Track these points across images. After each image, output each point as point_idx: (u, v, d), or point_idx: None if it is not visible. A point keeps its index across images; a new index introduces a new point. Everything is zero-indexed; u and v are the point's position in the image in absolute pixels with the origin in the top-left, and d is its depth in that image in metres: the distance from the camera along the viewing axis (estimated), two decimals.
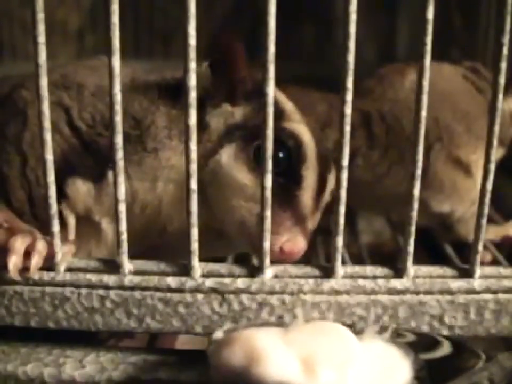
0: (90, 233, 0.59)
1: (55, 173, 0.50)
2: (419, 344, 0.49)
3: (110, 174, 0.56)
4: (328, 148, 0.62)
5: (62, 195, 0.55)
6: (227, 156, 0.56)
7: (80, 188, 0.57)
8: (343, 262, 0.56)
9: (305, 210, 0.56)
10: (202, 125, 0.56)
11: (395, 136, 0.75)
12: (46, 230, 0.52)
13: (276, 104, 0.57)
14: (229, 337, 0.48)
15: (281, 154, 0.55)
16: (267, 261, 0.53)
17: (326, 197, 0.59)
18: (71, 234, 0.57)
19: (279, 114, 0.56)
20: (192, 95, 0.48)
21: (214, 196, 0.56)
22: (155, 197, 0.57)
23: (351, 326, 0.50)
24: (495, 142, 0.52)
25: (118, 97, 0.49)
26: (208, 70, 0.56)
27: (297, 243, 0.55)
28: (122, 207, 0.51)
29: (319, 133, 0.70)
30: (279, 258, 0.55)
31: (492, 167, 0.52)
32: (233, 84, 0.57)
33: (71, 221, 0.57)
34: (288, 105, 0.60)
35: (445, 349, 0.50)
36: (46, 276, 0.53)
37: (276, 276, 0.53)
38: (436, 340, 0.51)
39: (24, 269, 0.51)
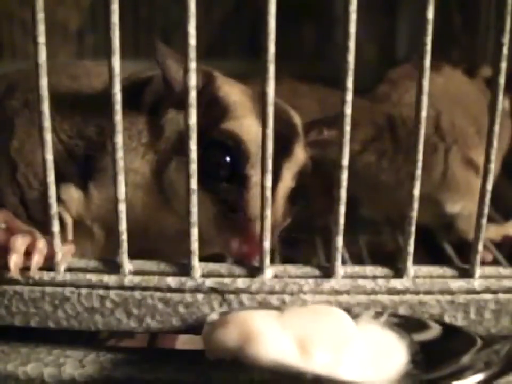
0: (84, 235, 0.59)
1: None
2: (405, 326, 0.49)
3: (91, 185, 0.57)
4: (294, 128, 0.60)
5: (56, 199, 0.55)
6: (173, 171, 0.56)
7: (73, 194, 0.57)
8: (343, 262, 0.56)
9: (254, 210, 0.54)
10: (157, 132, 0.57)
11: None
12: (43, 231, 0.53)
13: (219, 101, 0.56)
14: (224, 319, 0.48)
15: (228, 158, 0.55)
16: (267, 261, 0.53)
17: (286, 184, 0.57)
18: (69, 235, 0.57)
19: (222, 113, 0.56)
20: (192, 95, 0.48)
21: (174, 207, 0.57)
22: (127, 203, 0.57)
23: (348, 311, 0.50)
24: (495, 142, 0.52)
25: (118, 97, 0.49)
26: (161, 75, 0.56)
27: (246, 246, 0.54)
28: (122, 207, 0.51)
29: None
30: (243, 259, 0.55)
31: (492, 167, 0.52)
32: (174, 88, 0.56)
33: (69, 221, 0.57)
34: (233, 98, 0.58)
35: (435, 331, 0.50)
36: (46, 275, 0.53)
37: (276, 276, 0.53)
38: (424, 323, 0.51)
39: (25, 269, 0.52)
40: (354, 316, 0.50)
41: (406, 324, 0.50)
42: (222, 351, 0.45)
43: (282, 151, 0.57)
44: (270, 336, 0.44)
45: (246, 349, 0.43)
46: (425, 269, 0.55)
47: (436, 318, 0.53)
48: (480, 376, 0.42)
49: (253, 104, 0.58)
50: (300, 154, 0.59)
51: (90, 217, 0.58)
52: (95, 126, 0.57)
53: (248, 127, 0.56)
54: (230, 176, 0.55)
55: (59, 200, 0.56)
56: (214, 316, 0.50)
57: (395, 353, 0.46)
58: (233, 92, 0.58)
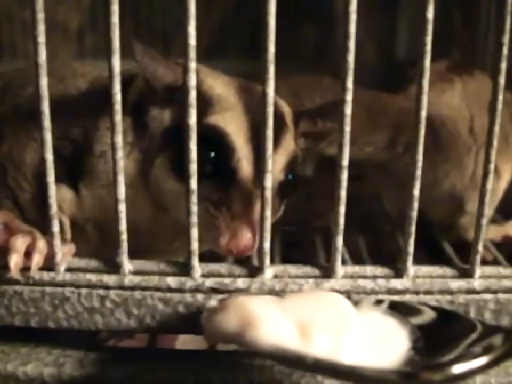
0: (78, 235, 0.59)
1: (41, 178, 0.51)
2: (405, 313, 0.49)
3: (81, 185, 0.57)
4: (281, 118, 0.59)
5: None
6: (159, 168, 0.55)
7: (66, 194, 0.57)
8: (343, 262, 0.56)
9: (246, 202, 0.53)
10: (141, 130, 0.56)
11: (454, 140, 0.78)
12: (42, 231, 0.53)
13: (201, 95, 0.54)
14: (223, 304, 0.47)
15: (212, 153, 0.54)
16: (267, 261, 0.53)
17: (274, 177, 0.55)
18: (68, 234, 0.57)
19: (204, 107, 0.55)
20: (192, 95, 0.48)
21: (163, 204, 0.57)
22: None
23: (348, 297, 0.50)
24: (495, 142, 0.52)
25: (118, 97, 0.49)
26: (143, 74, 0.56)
27: (241, 238, 0.52)
28: (122, 207, 0.51)
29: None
30: (233, 256, 0.55)
31: (492, 167, 0.52)
32: (154, 86, 0.56)
33: (66, 221, 0.58)
34: (217, 91, 0.57)
35: (429, 315, 0.50)
36: (46, 275, 0.53)
37: (275, 276, 0.53)
38: (416, 308, 0.51)
39: (25, 269, 0.52)
40: (355, 303, 0.49)
41: (406, 311, 0.50)
42: (221, 336, 0.44)
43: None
44: (269, 320, 0.43)
45: (245, 333, 0.43)
46: (425, 269, 0.55)
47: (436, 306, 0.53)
48: (482, 360, 0.41)
49: (239, 96, 0.57)
50: (288, 146, 0.58)
51: (83, 217, 0.58)
52: (80, 127, 0.58)
53: (233, 119, 0.55)
54: (215, 171, 0.54)
55: None
56: (213, 302, 0.50)
57: (396, 339, 0.46)
58: (216, 85, 0.58)
